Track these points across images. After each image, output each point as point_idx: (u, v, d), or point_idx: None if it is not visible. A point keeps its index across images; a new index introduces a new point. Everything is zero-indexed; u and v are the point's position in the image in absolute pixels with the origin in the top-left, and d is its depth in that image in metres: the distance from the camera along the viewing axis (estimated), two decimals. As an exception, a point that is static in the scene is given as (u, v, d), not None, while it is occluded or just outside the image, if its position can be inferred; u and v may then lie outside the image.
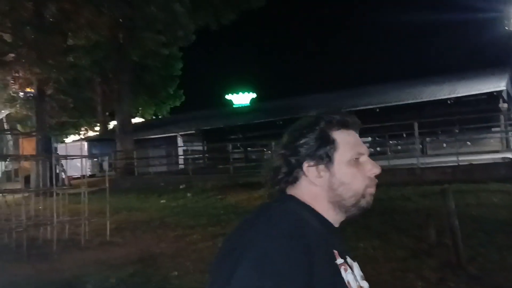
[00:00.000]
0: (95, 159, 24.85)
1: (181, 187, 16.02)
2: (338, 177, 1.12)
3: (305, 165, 1.13)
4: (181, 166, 23.66)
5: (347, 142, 1.14)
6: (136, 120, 36.05)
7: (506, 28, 20.26)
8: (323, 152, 1.13)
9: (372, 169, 1.14)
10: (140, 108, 36.47)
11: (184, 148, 26.22)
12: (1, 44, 18.49)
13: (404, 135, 21.50)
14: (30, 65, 17.98)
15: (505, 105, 21.84)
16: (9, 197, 10.38)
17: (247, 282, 0.91)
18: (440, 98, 22.90)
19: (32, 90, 19.73)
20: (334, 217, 1.14)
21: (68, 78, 19.07)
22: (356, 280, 1.07)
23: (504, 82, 21.95)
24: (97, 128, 37.66)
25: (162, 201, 13.88)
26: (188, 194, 14.57)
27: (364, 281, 1.11)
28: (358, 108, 23.42)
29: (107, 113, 35.04)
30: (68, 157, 11.15)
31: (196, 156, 25.23)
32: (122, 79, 20.99)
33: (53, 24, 18.68)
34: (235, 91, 44.81)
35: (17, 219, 9.10)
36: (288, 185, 1.17)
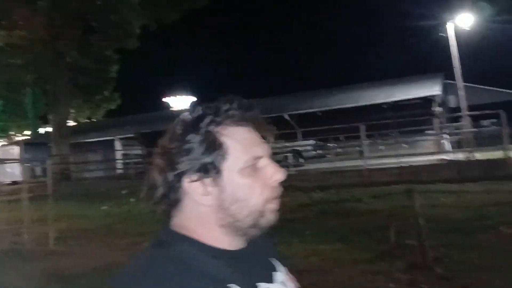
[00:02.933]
0: (27, 164, 23.53)
1: (123, 192, 15.41)
2: (230, 192, 0.88)
3: (185, 180, 0.88)
4: (120, 171, 22.92)
5: (240, 144, 0.88)
6: (70, 123, 34.66)
7: (441, 34, 21.29)
8: (209, 161, 0.87)
9: (274, 175, 0.90)
10: (73, 111, 35.07)
11: (123, 152, 25.44)
12: None
13: (342, 138, 22.03)
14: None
15: (439, 109, 22.94)
16: None
17: None
18: (377, 102, 23.70)
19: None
20: (229, 243, 0.91)
21: (1, 79, 17.93)
22: None
23: (438, 87, 23.06)
24: (27, 132, 35.78)
25: (104, 208, 13.28)
26: (132, 200, 14.03)
27: None
28: (300, 112, 23.80)
29: (38, 116, 33.40)
30: (2, 162, 10.40)
31: (136, 160, 24.51)
32: (58, 81, 19.99)
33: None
34: (174, 94, 44.12)
35: None
36: (171, 207, 0.91)
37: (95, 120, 37.62)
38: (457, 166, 12.17)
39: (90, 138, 27.71)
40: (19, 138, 33.34)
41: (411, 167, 11.69)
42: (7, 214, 8.97)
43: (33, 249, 7.89)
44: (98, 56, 25.57)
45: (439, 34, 21.18)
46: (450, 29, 20.99)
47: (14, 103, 25.34)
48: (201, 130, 0.87)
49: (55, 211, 11.56)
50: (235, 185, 0.88)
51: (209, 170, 0.87)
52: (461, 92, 20.15)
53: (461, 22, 21.31)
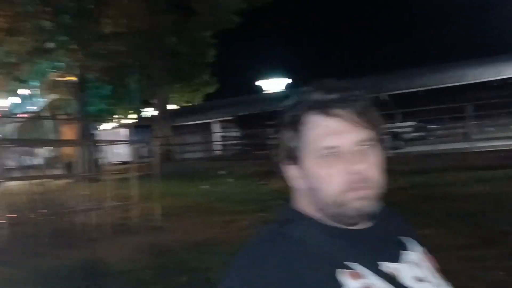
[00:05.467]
0: (134, 145, 25.11)
1: (221, 172, 15.95)
2: (310, 179, 0.91)
3: (282, 164, 0.95)
4: (217, 152, 23.70)
5: (319, 133, 0.89)
6: (170, 106, 36.27)
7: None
8: (292, 148, 0.91)
9: (350, 166, 0.87)
10: (174, 95, 36.63)
11: (221, 134, 26.25)
12: (42, 31, 18.71)
13: (447, 119, 20.90)
14: (71, 52, 18.15)
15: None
16: (56, 183, 10.52)
17: None
18: (485, 80, 22.13)
19: (74, 78, 19.97)
20: (334, 225, 0.92)
21: (107, 65, 19.20)
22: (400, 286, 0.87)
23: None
24: (133, 115, 38.08)
25: (204, 187, 13.84)
26: (230, 180, 14.50)
27: (425, 283, 0.91)
28: (400, 92, 22.88)
29: (142, 100, 35.36)
30: (113, 143, 11.20)
31: (232, 142, 25.19)
32: (159, 67, 21.00)
33: (92, 11, 18.77)
34: (269, 76, 44.35)
35: (66, 204, 9.19)
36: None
37: (195, 104, 39.05)
38: None
39: (190, 121, 28.91)
40: (126, 121, 35.62)
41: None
42: (117, 191, 9.67)
43: (140, 224, 8.45)
44: (196, 41, 26.48)
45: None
46: None
47: (121, 88, 27.05)
48: (291, 117, 0.92)
49: (160, 189, 12.29)
50: (312, 173, 0.90)
51: (292, 156, 0.92)
52: None
53: None
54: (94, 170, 10.35)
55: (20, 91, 28.49)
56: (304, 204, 0.95)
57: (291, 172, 0.94)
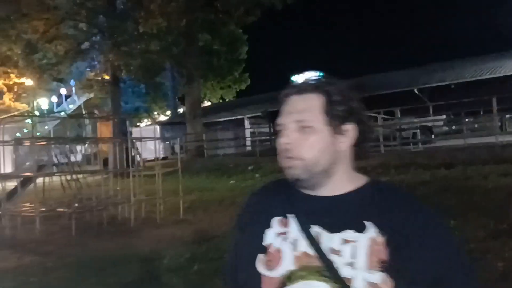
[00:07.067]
0: (167, 142, 25.70)
1: (249, 168, 16.18)
2: None
3: None
4: (248, 148, 23.90)
5: (280, 111, 1.15)
6: (204, 103, 36.76)
7: None
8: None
9: (279, 139, 1.13)
10: (207, 92, 37.09)
11: (251, 130, 26.46)
12: (77, 32, 19.44)
13: (481, 112, 20.46)
14: (105, 52, 18.77)
15: None
16: (90, 178, 11.02)
17: None
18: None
19: (107, 77, 20.63)
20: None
21: (140, 64, 19.73)
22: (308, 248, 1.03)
23: None
24: (168, 112, 38.84)
25: (231, 182, 14.11)
26: (257, 175, 14.70)
27: (337, 256, 1.00)
28: (431, 85, 22.49)
29: (177, 98, 36.01)
30: (143, 139, 11.59)
31: (263, 138, 25.33)
32: (191, 64, 21.40)
33: (125, 12, 19.34)
34: (300, 71, 44.34)
35: (98, 198, 9.66)
36: None
37: (227, 100, 39.41)
38: None
39: (221, 118, 29.28)
40: (161, 118, 36.39)
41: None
42: (146, 186, 10.08)
43: (165, 218, 8.82)
44: (227, 38, 26.78)
45: None
46: None
47: (155, 86, 27.71)
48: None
49: (188, 184, 12.65)
50: None
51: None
52: None
53: None
54: (128, 165, 10.79)
55: (59, 91, 29.61)
56: None
57: None
